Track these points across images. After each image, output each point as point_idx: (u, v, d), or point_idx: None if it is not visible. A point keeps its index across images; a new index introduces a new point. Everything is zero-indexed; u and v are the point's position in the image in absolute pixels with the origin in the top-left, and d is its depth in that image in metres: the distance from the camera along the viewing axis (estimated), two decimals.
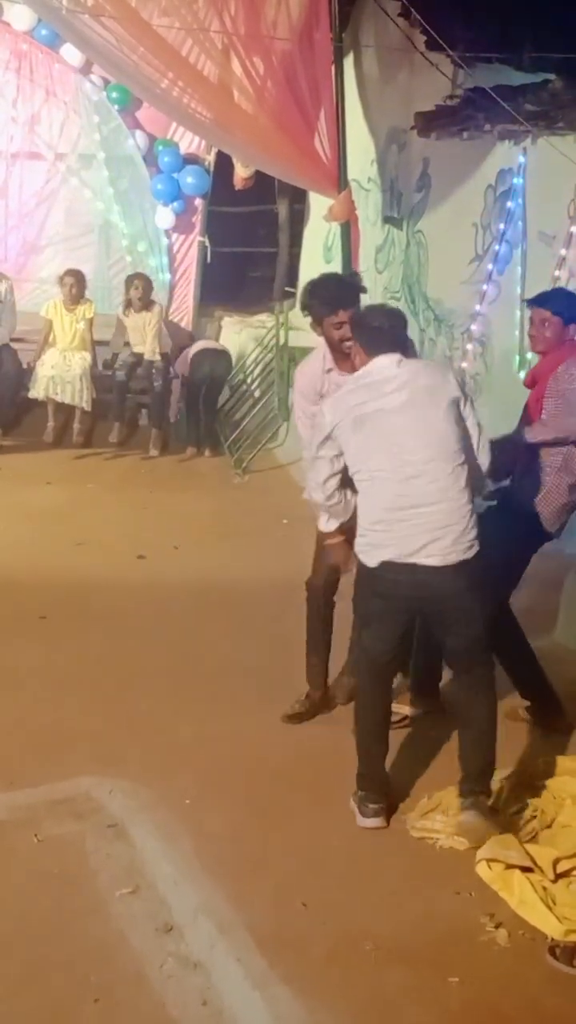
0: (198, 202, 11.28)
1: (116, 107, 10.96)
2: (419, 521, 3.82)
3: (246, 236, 12.47)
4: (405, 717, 4.72)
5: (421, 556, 3.83)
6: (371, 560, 3.92)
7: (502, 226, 7.63)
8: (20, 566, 6.60)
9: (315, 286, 4.68)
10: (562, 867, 3.64)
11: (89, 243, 11.46)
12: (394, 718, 4.52)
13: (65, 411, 9.50)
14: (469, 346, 8.07)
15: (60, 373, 9.34)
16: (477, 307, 7.93)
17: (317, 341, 4.77)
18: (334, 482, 4.07)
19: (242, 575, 6.65)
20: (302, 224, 12.16)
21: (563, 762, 4.34)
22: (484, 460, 4.03)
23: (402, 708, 4.72)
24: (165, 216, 11.18)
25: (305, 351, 9.20)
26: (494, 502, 4.66)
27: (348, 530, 4.23)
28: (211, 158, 11.19)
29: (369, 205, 10.03)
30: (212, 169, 11.23)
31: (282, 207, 12.08)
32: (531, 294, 5.28)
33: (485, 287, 7.85)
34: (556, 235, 7.02)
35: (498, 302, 7.74)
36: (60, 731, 4.61)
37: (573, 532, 5.05)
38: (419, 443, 3.83)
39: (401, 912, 3.54)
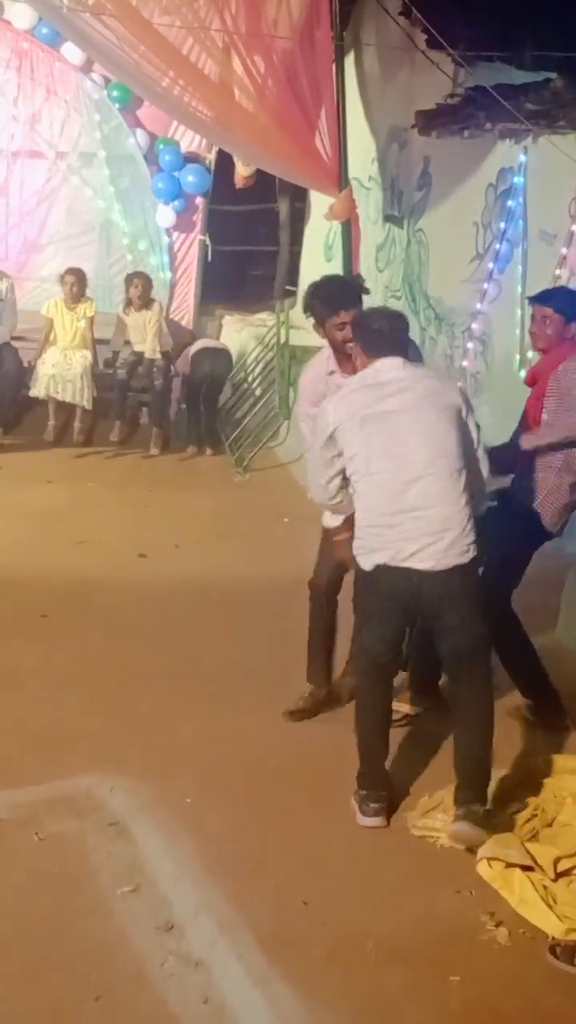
0: (199, 200, 11.28)
1: (117, 105, 10.97)
2: (417, 524, 3.82)
3: (247, 235, 12.47)
4: (405, 715, 4.73)
5: (415, 560, 3.83)
6: (366, 563, 3.93)
7: (503, 225, 7.64)
8: (21, 565, 6.60)
9: (317, 287, 4.69)
10: (563, 866, 3.65)
11: (90, 242, 11.46)
12: (394, 716, 4.53)
13: (66, 410, 9.50)
14: (470, 345, 8.07)
15: (61, 372, 9.34)
16: (478, 306, 7.93)
17: (322, 342, 4.78)
18: (337, 482, 4.07)
19: (243, 574, 6.65)
20: (303, 223, 12.17)
21: (564, 761, 4.34)
22: (483, 470, 4.04)
23: (402, 706, 4.72)
24: (166, 215, 11.18)
25: (306, 350, 9.28)
26: (495, 503, 4.66)
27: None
28: (212, 157, 11.19)
29: (370, 204, 10.03)
30: (213, 168, 11.23)
31: (283, 206, 12.08)
32: (532, 293, 5.28)
33: (486, 286, 7.85)
34: (557, 234, 7.02)
35: (499, 301, 7.74)
36: (61, 729, 4.61)
37: (574, 531, 5.05)
38: (421, 445, 3.83)
39: (401, 911, 3.54)
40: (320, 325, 4.63)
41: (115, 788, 4.14)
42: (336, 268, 9.43)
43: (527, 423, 4.77)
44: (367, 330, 4.06)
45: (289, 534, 7.51)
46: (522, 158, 7.43)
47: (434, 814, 4.03)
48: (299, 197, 11.90)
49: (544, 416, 4.67)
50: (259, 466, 9.20)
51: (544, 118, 7.02)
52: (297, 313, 10.65)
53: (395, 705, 4.63)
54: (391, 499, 3.85)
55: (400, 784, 4.21)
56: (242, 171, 11.29)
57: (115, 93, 10.86)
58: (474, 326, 8.00)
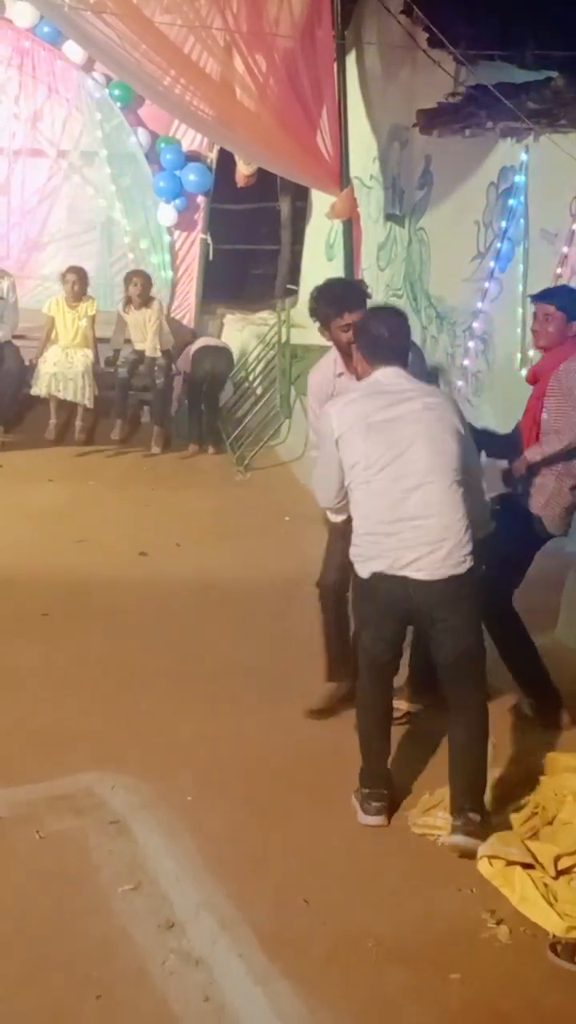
0: (200, 199, 11.28)
1: (118, 104, 10.97)
2: (416, 533, 3.82)
3: (248, 233, 12.47)
4: (406, 713, 4.73)
5: (411, 570, 3.83)
6: (363, 571, 3.93)
7: (504, 223, 7.63)
8: (21, 564, 6.60)
9: (321, 290, 4.71)
10: (563, 864, 3.65)
11: (91, 240, 11.46)
12: (395, 715, 4.53)
13: (67, 408, 9.50)
14: (471, 343, 8.07)
15: (62, 370, 9.34)
16: (479, 304, 7.93)
17: (324, 342, 4.78)
18: (343, 486, 4.06)
19: (243, 573, 6.65)
20: (304, 221, 12.17)
21: (564, 759, 4.34)
22: (481, 492, 4.06)
23: (402, 704, 4.72)
24: (167, 213, 11.18)
25: (307, 348, 9.29)
26: (497, 506, 4.67)
27: None
28: (213, 155, 11.19)
29: (371, 202, 10.03)
30: (214, 166, 11.23)
31: (284, 204, 12.08)
32: (533, 291, 5.28)
33: (487, 285, 7.85)
34: (558, 232, 7.02)
35: (500, 300, 7.74)
36: (61, 728, 4.61)
37: (574, 531, 5.05)
38: (423, 454, 3.83)
39: (402, 909, 3.55)
40: (325, 328, 4.65)
41: (116, 786, 4.14)
42: (338, 267, 9.43)
43: (527, 422, 4.77)
44: (368, 337, 4.06)
45: (290, 533, 7.51)
46: (523, 157, 7.43)
47: (435, 812, 4.03)
48: (300, 196, 11.90)
49: (544, 415, 4.66)
50: (260, 465, 9.20)
51: (545, 117, 7.02)
52: (298, 312, 10.65)
53: (395, 703, 4.65)
54: (390, 507, 3.84)
55: (401, 782, 4.21)
56: (243, 170, 11.28)
57: (116, 92, 10.86)
58: (475, 325, 8.00)
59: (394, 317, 4.19)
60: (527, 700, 4.80)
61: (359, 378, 4.16)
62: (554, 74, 7.21)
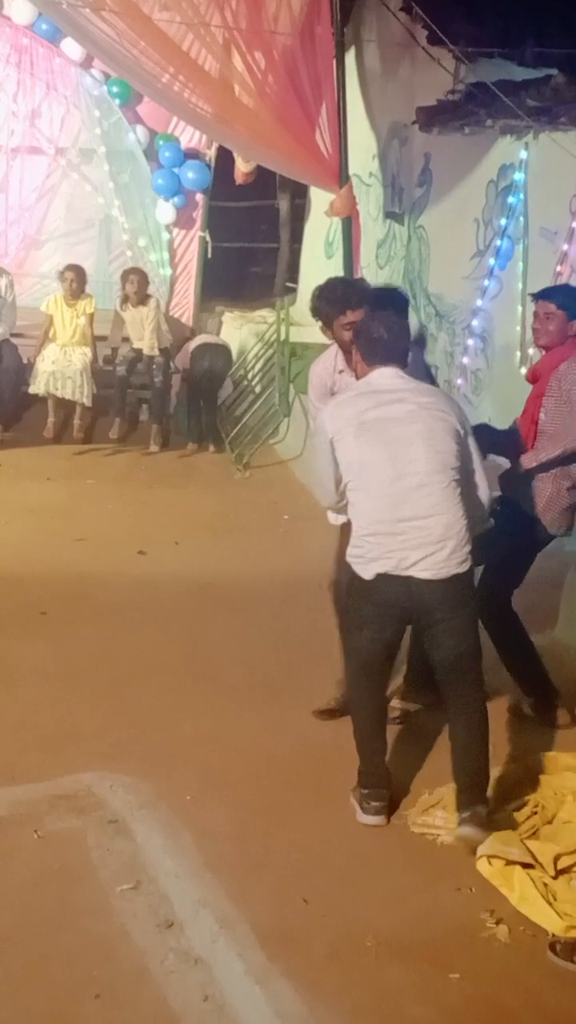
0: (199, 197, 11.27)
1: (117, 102, 10.95)
2: (419, 533, 3.81)
3: (247, 231, 12.47)
4: (403, 713, 4.72)
5: (416, 570, 3.82)
6: (366, 572, 3.90)
7: (504, 221, 7.63)
8: (20, 562, 6.60)
9: (322, 289, 4.70)
10: (563, 863, 3.65)
11: (90, 238, 11.46)
12: (393, 714, 4.53)
13: (65, 407, 9.49)
14: (470, 341, 8.07)
15: (60, 368, 9.33)
16: (478, 302, 7.93)
17: (324, 340, 4.77)
18: (342, 485, 4.06)
19: (243, 571, 6.64)
20: (303, 219, 12.17)
21: (564, 758, 4.34)
22: (484, 495, 4.03)
23: (400, 704, 4.72)
24: (166, 211, 11.17)
25: (306, 347, 9.28)
26: (497, 507, 4.66)
27: None
28: (212, 153, 11.18)
29: (370, 200, 10.02)
30: (213, 164, 11.22)
31: (283, 202, 12.08)
32: (532, 290, 5.28)
33: (486, 283, 7.85)
34: (558, 231, 7.02)
35: (499, 298, 7.74)
36: (61, 727, 4.61)
37: (573, 531, 5.05)
38: (419, 453, 3.82)
39: (402, 908, 3.54)
40: (328, 327, 4.65)
41: (115, 785, 4.14)
42: (337, 265, 9.43)
43: (526, 421, 4.77)
44: (367, 338, 4.04)
45: (289, 531, 7.51)
46: (523, 154, 7.43)
47: (434, 811, 4.03)
48: (299, 194, 11.90)
49: (541, 415, 4.66)
50: (259, 463, 9.20)
51: (545, 115, 7.02)
52: (297, 310, 10.66)
53: (394, 702, 4.65)
54: (391, 508, 3.83)
55: (400, 781, 4.20)
56: (242, 167, 11.28)
57: (115, 89, 10.85)
58: (475, 323, 8.00)
59: (394, 317, 4.17)
60: (526, 699, 4.80)
61: (358, 378, 4.16)
62: (554, 72, 7.21)
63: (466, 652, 3.92)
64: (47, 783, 4.14)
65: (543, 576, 5.12)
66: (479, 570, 4.22)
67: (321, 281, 4.81)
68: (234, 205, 11.87)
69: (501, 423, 4.99)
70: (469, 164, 8.19)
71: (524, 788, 4.15)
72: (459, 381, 8.07)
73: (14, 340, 9.58)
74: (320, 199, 10.23)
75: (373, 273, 9.76)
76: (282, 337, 9.91)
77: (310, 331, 4.98)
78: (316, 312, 4.68)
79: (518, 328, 7.36)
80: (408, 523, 3.81)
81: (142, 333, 9.56)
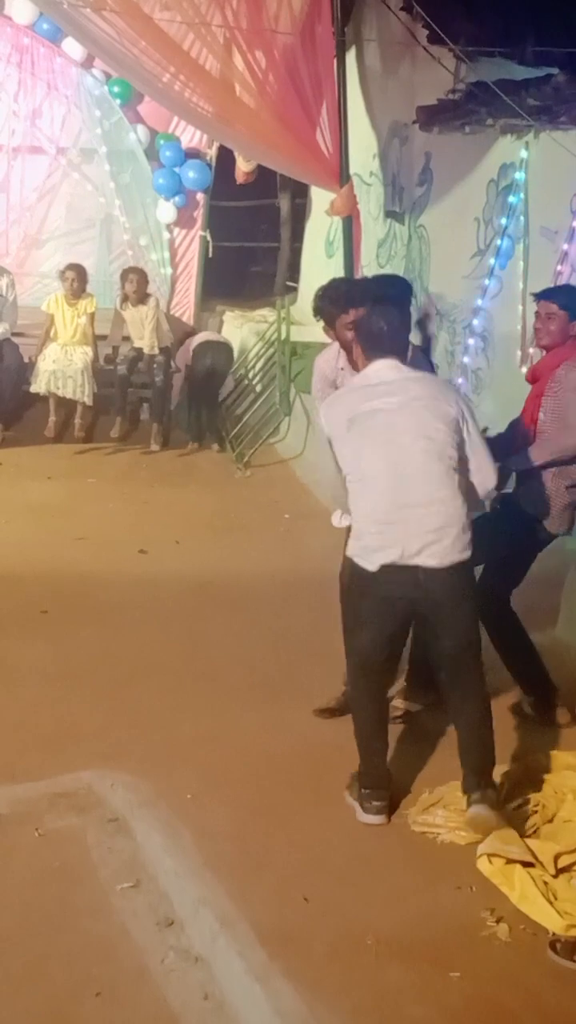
0: (199, 196, 11.27)
1: (118, 101, 10.95)
2: (416, 522, 3.81)
3: (248, 231, 12.47)
4: (405, 712, 4.72)
5: (422, 558, 3.82)
6: (370, 564, 3.89)
7: (504, 221, 7.62)
8: (20, 561, 6.60)
9: (325, 289, 4.72)
10: (563, 862, 3.65)
11: (90, 237, 11.45)
12: (394, 713, 4.53)
13: (66, 406, 9.49)
14: (470, 341, 8.06)
15: (61, 368, 9.33)
16: (479, 302, 7.92)
17: (325, 339, 4.78)
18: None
19: (244, 570, 6.64)
20: (304, 219, 12.17)
21: (564, 757, 4.34)
22: (489, 479, 4.01)
23: (401, 704, 4.72)
24: (167, 210, 11.17)
25: (307, 346, 9.28)
26: (497, 505, 4.66)
27: None
28: (213, 152, 11.18)
29: (371, 199, 10.02)
30: (214, 163, 11.22)
31: (284, 201, 12.08)
32: (533, 289, 5.28)
33: (487, 282, 7.84)
34: (558, 230, 7.01)
35: (500, 297, 7.73)
36: (61, 725, 4.61)
37: (573, 530, 5.05)
38: (412, 443, 3.82)
39: (402, 907, 3.55)
40: (330, 326, 4.66)
41: (116, 784, 4.14)
42: (337, 264, 9.43)
43: (525, 421, 4.77)
44: (367, 332, 4.05)
45: (290, 530, 7.51)
46: (523, 154, 7.42)
47: (434, 810, 4.03)
48: (300, 193, 11.89)
49: (540, 415, 4.66)
50: (259, 462, 9.20)
51: (546, 114, 7.01)
52: (298, 309, 10.66)
53: (396, 702, 4.65)
54: (390, 497, 3.84)
55: (400, 781, 4.21)
56: (243, 167, 11.28)
57: (116, 89, 10.85)
58: (475, 322, 7.99)
59: (395, 311, 4.15)
60: (527, 698, 4.80)
61: (358, 372, 4.16)
62: (554, 71, 7.19)
63: (471, 640, 3.94)
64: (47, 781, 4.15)
65: (544, 575, 5.12)
66: (478, 570, 4.22)
67: (322, 280, 4.83)
68: (235, 204, 11.87)
69: (501, 422, 4.98)
70: (470, 163, 8.18)
71: (525, 787, 4.16)
72: (459, 380, 8.06)
73: (15, 339, 9.57)
74: (321, 198, 10.23)
75: (374, 272, 9.73)
76: (283, 336, 9.91)
77: (311, 330, 5.00)
78: (319, 312, 4.70)
79: (519, 327, 7.35)
80: (408, 511, 3.81)
81: (142, 332, 9.56)
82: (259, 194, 11.95)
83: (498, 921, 3.48)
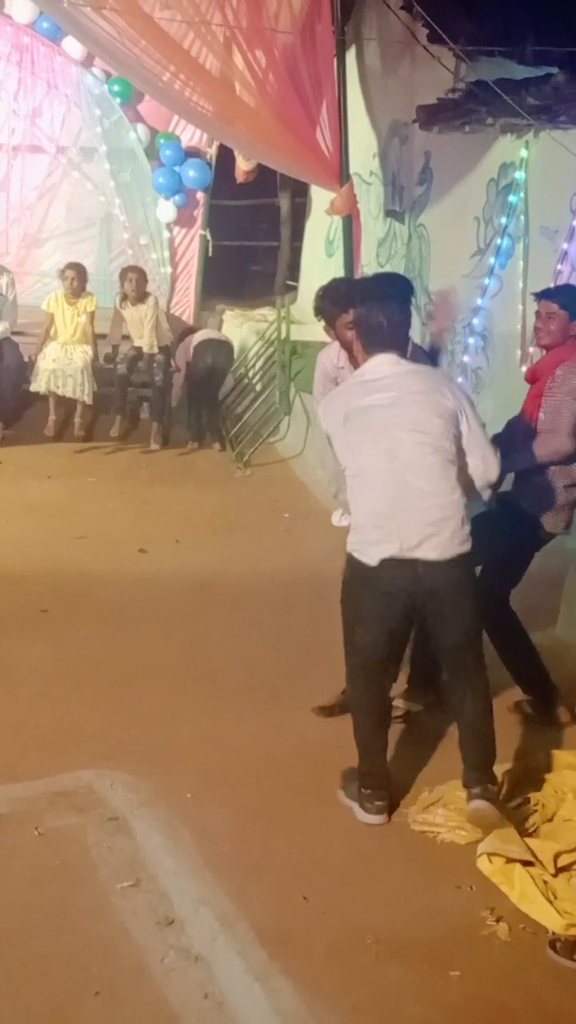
0: (199, 195, 11.26)
1: (118, 100, 10.95)
2: (414, 516, 3.81)
3: (248, 230, 12.46)
4: (404, 712, 4.72)
5: (422, 551, 3.82)
6: (371, 558, 3.89)
7: (504, 220, 7.62)
8: (21, 560, 6.60)
9: (326, 289, 4.72)
10: (563, 861, 3.65)
11: (90, 236, 11.45)
12: (393, 714, 4.53)
13: (66, 405, 9.49)
14: (471, 340, 8.06)
15: (61, 367, 9.33)
16: (479, 301, 7.92)
17: (325, 338, 4.79)
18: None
19: (243, 570, 6.64)
20: (304, 218, 12.17)
21: (564, 756, 4.35)
22: (492, 471, 3.99)
23: (401, 703, 4.72)
24: (167, 209, 11.17)
25: (307, 345, 9.27)
26: (494, 503, 4.66)
27: None
28: (213, 151, 11.18)
29: (371, 199, 10.02)
30: (214, 162, 11.22)
31: (284, 201, 12.08)
32: (533, 288, 5.28)
33: (487, 281, 7.84)
34: (558, 229, 7.01)
35: (500, 296, 7.73)
36: (61, 727, 4.61)
37: (573, 529, 5.05)
38: (407, 437, 3.83)
39: (402, 907, 3.55)
40: (331, 326, 4.67)
41: (115, 783, 4.14)
42: (337, 263, 9.43)
43: (524, 420, 4.77)
44: (367, 327, 4.04)
45: (290, 530, 7.51)
46: (523, 153, 7.42)
47: (434, 809, 4.03)
48: (300, 192, 11.90)
49: (540, 415, 4.66)
50: (259, 461, 9.20)
51: (545, 113, 7.00)
52: (298, 308, 10.66)
53: (397, 701, 4.65)
54: (389, 493, 3.84)
55: (400, 780, 4.21)
56: (243, 166, 11.28)
57: (116, 88, 10.84)
58: (475, 321, 7.99)
59: (395, 306, 4.14)
60: (527, 698, 4.80)
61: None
62: (554, 70, 7.18)
63: (472, 635, 3.94)
64: (48, 780, 4.15)
65: (544, 575, 5.12)
66: (478, 571, 4.22)
67: (322, 279, 4.83)
68: (235, 204, 11.87)
69: (501, 421, 4.98)
70: (469, 162, 8.18)
71: (525, 786, 4.16)
72: (459, 379, 8.06)
73: (15, 338, 9.57)
74: (321, 197, 10.22)
75: (374, 272, 9.74)
76: (283, 335, 9.91)
77: (311, 329, 5.00)
78: (319, 311, 4.71)
79: (519, 326, 7.35)
80: (406, 506, 3.81)
81: (142, 331, 9.56)
82: (259, 193, 11.95)
83: (498, 920, 3.48)
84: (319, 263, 11.45)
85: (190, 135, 11.06)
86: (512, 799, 4.08)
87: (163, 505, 8.01)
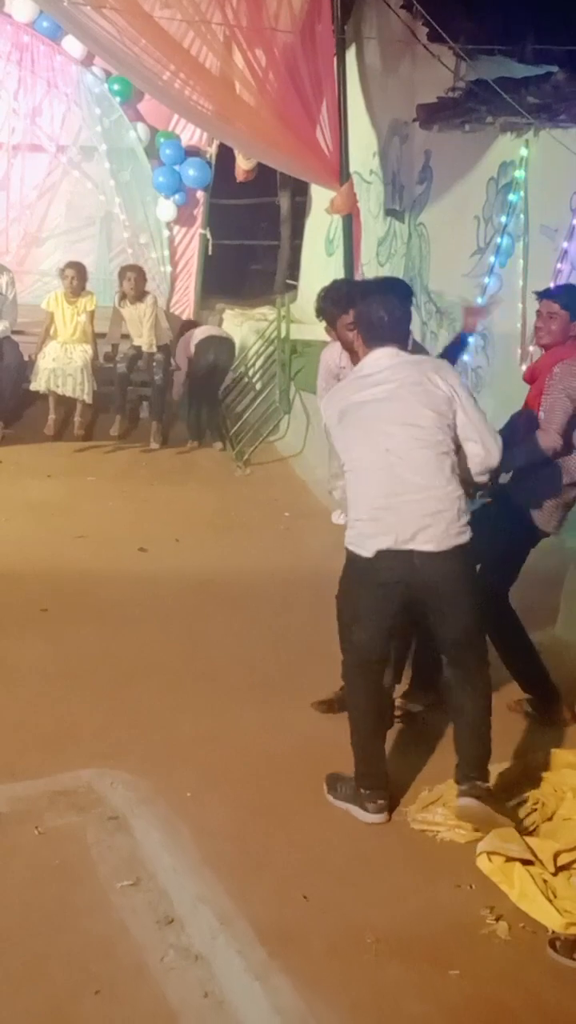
0: (200, 194, 11.27)
1: (118, 99, 10.96)
2: (409, 508, 3.81)
3: (248, 229, 12.47)
4: (405, 712, 4.72)
5: (417, 543, 3.82)
6: (366, 550, 3.89)
7: (504, 219, 7.63)
8: (21, 559, 6.60)
9: (327, 290, 4.73)
10: (563, 860, 3.65)
11: (90, 235, 11.46)
12: (395, 713, 4.53)
13: (66, 404, 9.49)
14: (471, 339, 8.05)
15: (61, 366, 9.33)
16: (479, 300, 7.92)
17: (323, 335, 4.79)
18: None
19: (243, 568, 6.65)
20: (304, 217, 12.17)
21: (563, 755, 4.34)
22: (492, 455, 3.95)
23: (403, 703, 4.72)
24: (167, 208, 11.18)
25: (307, 344, 9.27)
26: (488, 500, 4.66)
27: None
28: (213, 150, 11.19)
29: (371, 198, 10.02)
30: (214, 161, 11.23)
31: (284, 200, 12.08)
32: (533, 287, 5.28)
33: (487, 280, 7.85)
34: (558, 228, 7.01)
35: (500, 295, 7.73)
36: (61, 726, 4.61)
37: (573, 527, 5.05)
38: (399, 430, 3.83)
39: (401, 906, 3.55)
40: (332, 327, 4.67)
41: (115, 782, 4.14)
42: (337, 262, 9.43)
43: (524, 419, 4.77)
44: (367, 321, 4.04)
45: (290, 528, 7.51)
46: (523, 152, 7.42)
47: (434, 808, 4.03)
48: (300, 191, 11.90)
49: (540, 414, 4.66)
50: (259, 460, 9.20)
51: (545, 112, 7.01)
52: (297, 307, 10.66)
53: (399, 702, 4.65)
54: (382, 486, 3.85)
55: (400, 779, 4.21)
56: (243, 165, 11.29)
57: (116, 87, 10.85)
58: None
59: (395, 299, 4.13)
60: (526, 697, 4.80)
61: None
62: (554, 69, 7.19)
63: (471, 627, 3.93)
64: (47, 779, 4.14)
65: (543, 574, 5.13)
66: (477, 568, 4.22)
67: (322, 278, 4.84)
68: (235, 203, 11.88)
69: (501, 420, 4.98)
70: (469, 161, 8.19)
71: (524, 785, 4.16)
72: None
73: (15, 337, 9.57)
74: (321, 196, 10.23)
75: (374, 270, 9.76)
76: (283, 334, 9.91)
77: (311, 328, 5.01)
78: (321, 312, 4.71)
79: (519, 325, 7.36)
80: (400, 499, 3.81)
81: (141, 330, 9.56)
82: (259, 192, 11.95)
83: (497, 919, 3.48)
84: (319, 262, 11.46)
85: (190, 134, 11.06)
86: (512, 798, 4.07)
87: (163, 504, 8.01)
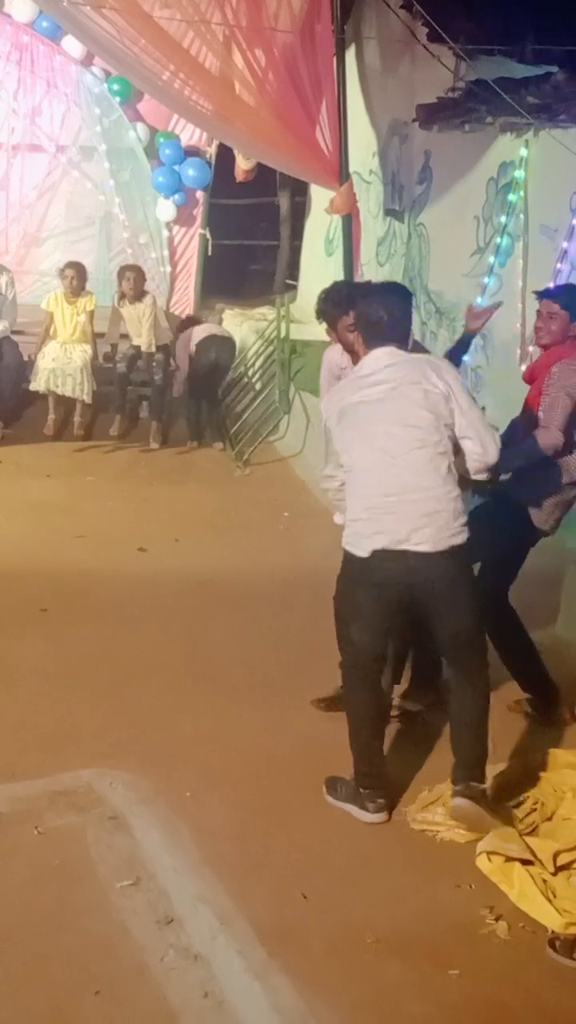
0: (199, 194, 11.27)
1: (117, 99, 10.96)
2: (408, 508, 3.81)
3: (247, 229, 12.47)
4: (404, 712, 4.72)
5: (412, 543, 3.82)
6: (362, 550, 3.89)
7: (504, 219, 7.63)
8: (21, 558, 6.60)
9: (327, 292, 4.73)
10: (562, 860, 3.65)
11: (90, 235, 11.46)
12: (394, 713, 4.53)
13: (66, 404, 9.49)
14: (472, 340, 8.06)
15: (61, 366, 9.33)
16: (479, 300, 7.92)
17: (323, 335, 4.80)
18: (340, 473, 4.08)
19: (243, 568, 6.65)
20: (303, 217, 12.18)
21: (563, 755, 4.35)
22: (490, 453, 3.94)
23: (403, 703, 4.72)
24: (166, 208, 11.18)
25: (306, 344, 9.28)
26: (487, 498, 4.66)
27: None
28: (212, 150, 11.19)
29: (371, 198, 10.02)
30: (213, 161, 11.23)
31: (283, 200, 12.08)
32: (533, 287, 5.28)
33: (487, 280, 7.85)
34: (558, 228, 7.01)
35: (499, 295, 7.73)
36: (61, 726, 4.61)
37: (573, 527, 5.05)
38: (396, 431, 3.83)
39: (401, 905, 3.55)
40: (332, 328, 4.68)
41: (115, 782, 4.14)
42: (337, 262, 9.43)
43: (526, 417, 4.77)
44: (367, 320, 4.04)
45: (290, 528, 7.51)
46: (523, 152, 7.43)
47: (433, 808, 4.03)
48: (300, 191, 11.90)
49: (540, 414, 4.66)
50: (259, 460, 9.20)
51: (545, 112, 7.01)
52: (297, 307, 10.66)
53: (397, 702, 4.65)
54: (380, 488, 3.85)
55: (400, 779, 4.21)
56: (243, 165, 11.29)
57: (115, 87, 10.85)
58: None
59: (395, 299, 4.13)
60: (526, 696, 4.80)
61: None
62: (554, 69, 7.19)
63: (470, 627, 3.93)
64: (47, 779, 4.15)
65: (543, 573, 5.13)
66: (476, 570, 4.22)
67: (321, 278, 4.85)
68: (234, 203, 11.88)
69: (502, 420, 4.99)
70: (469, 161, 8.19)
71: (524, 785, 4.16)
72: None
73: (15, 337, 9.56)
74: (320, 196, 10.23)
75: (373, 271, 9.76)
76: (282, 334, 9.91)
77: (310, 328, 5.01)
78: (321, 314, 4.72)
79: (518, 325, 7.36)
80: (396, 499, 3.82)
81: (140, 330, 9.55)
82: (259, 192, 11.95)
83: (497, 919, 3.48)
84: (319, 262, 11.46)
85: (190, 134, 11.06)
86: (511, 798, 4.07)
87: (162, 504, 8.01)
